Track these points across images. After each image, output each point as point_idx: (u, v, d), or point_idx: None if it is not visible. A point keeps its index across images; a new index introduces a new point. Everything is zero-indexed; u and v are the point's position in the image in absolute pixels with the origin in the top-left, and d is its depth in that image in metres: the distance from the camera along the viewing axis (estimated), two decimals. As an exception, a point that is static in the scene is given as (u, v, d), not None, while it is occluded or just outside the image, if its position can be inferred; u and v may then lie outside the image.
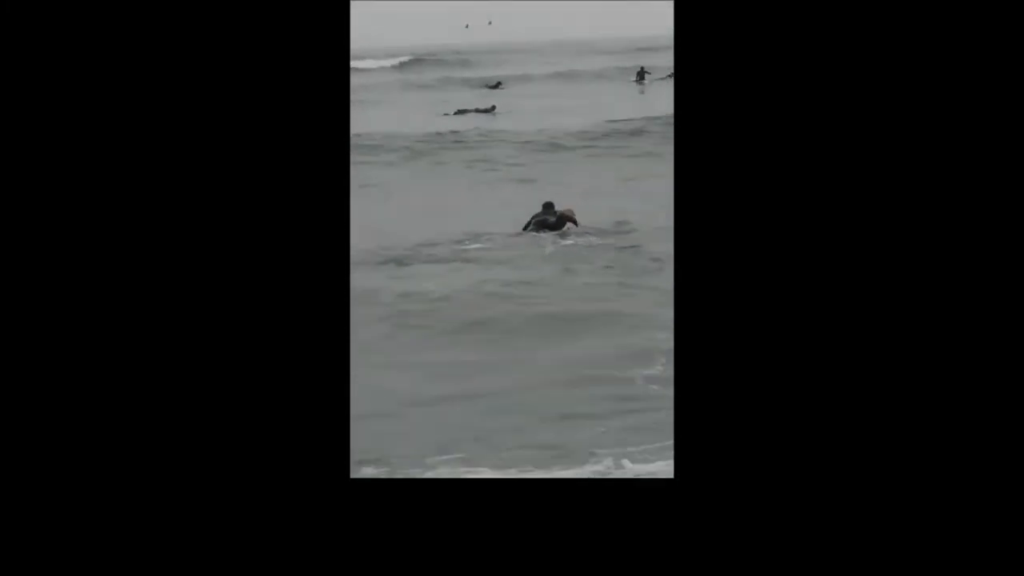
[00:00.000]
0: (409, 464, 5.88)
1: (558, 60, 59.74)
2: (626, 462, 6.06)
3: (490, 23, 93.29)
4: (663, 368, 7.36)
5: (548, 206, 13.06)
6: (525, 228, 12.89)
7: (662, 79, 37.71)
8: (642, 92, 36.29)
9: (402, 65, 59.33)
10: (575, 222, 12.78)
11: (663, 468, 5.58)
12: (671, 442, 4.38)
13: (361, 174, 18.07)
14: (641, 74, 41.70)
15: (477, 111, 30.55)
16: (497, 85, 41.35)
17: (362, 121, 24.86)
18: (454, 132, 24.47)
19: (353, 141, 20.52)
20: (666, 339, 7.34)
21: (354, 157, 19.94)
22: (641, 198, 14.75)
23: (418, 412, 7.03)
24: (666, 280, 9.01)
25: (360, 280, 9.29)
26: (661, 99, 28.37)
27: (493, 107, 31.58)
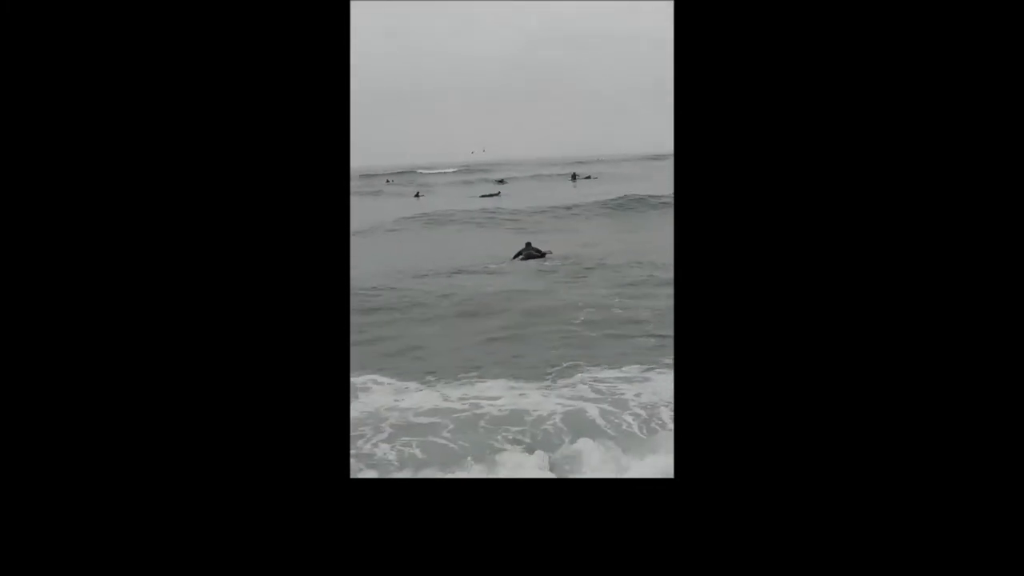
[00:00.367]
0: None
1: (531, 169, 66.92)
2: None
3: (484, 151, 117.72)
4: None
5: (528, 244, 14.00)
6: (515, 256, 13.62)
7: (584, 179, 47.13)
8: (575, 187, 41.29)
9: (455, 172, 68.56)
10: (543, 254, 13.64)
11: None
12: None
13: (423, 233, 20.22)
14: (574, 176, 50.25)
15: (491, 195, 35.29)
16: (501, 181, 46.36)
17: (427, 203, 30.09)
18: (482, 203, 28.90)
19: (418, 217, 22.93)
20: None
21: (409, 224, 21.66)
22: (577, 240, 16.21)
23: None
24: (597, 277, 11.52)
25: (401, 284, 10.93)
26: (586, 189, 35.94)
27: (499, 192, 36.93)
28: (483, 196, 34.52)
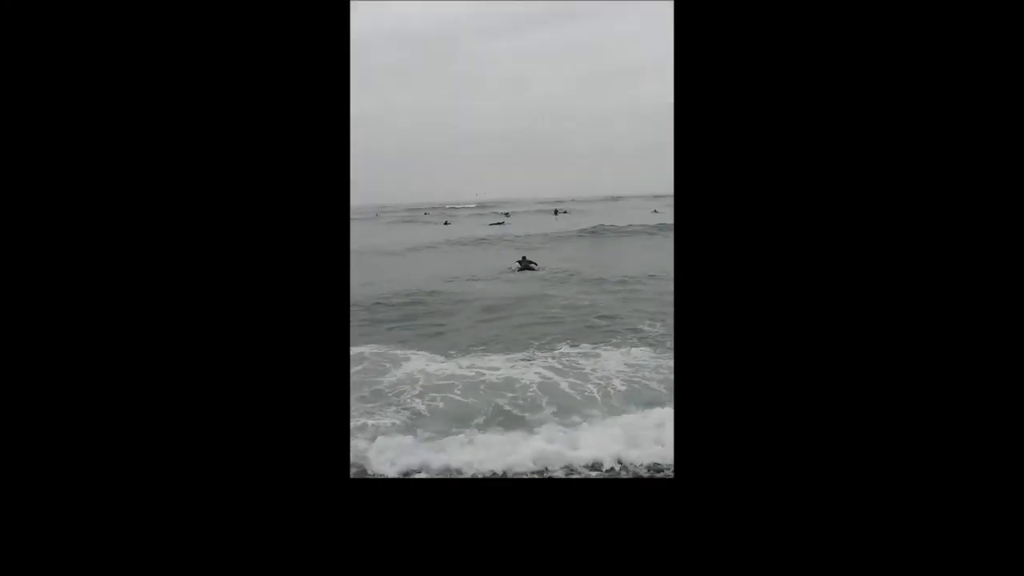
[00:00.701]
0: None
1: (526, 206, 65.23)
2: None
3: (477, 195, 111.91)
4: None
5: (524, 258, 13.82)
6: (515, 266, 13.51)
7: (563, 214, 44.13)
8: (556, 219, 40.23)
9: (475, 207, 66.77)
10: (535, 264, 13.50)
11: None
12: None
13: (451, 250, 20.05)
14: (556, 212, 48.40)
15: (498, 223, 34.50)
16: (507, 215, 45.13)
17: (453, 230, 29.58)
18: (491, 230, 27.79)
19: (447, 239, 22.75)
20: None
21: (440, 244, 21.86)
22: (559, 256, 16.21)
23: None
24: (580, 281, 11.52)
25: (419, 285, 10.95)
26: (564, 221, 34.11)
27: (503, 222, 36.03)
28: (491, 224, 34.39)
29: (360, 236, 24.15)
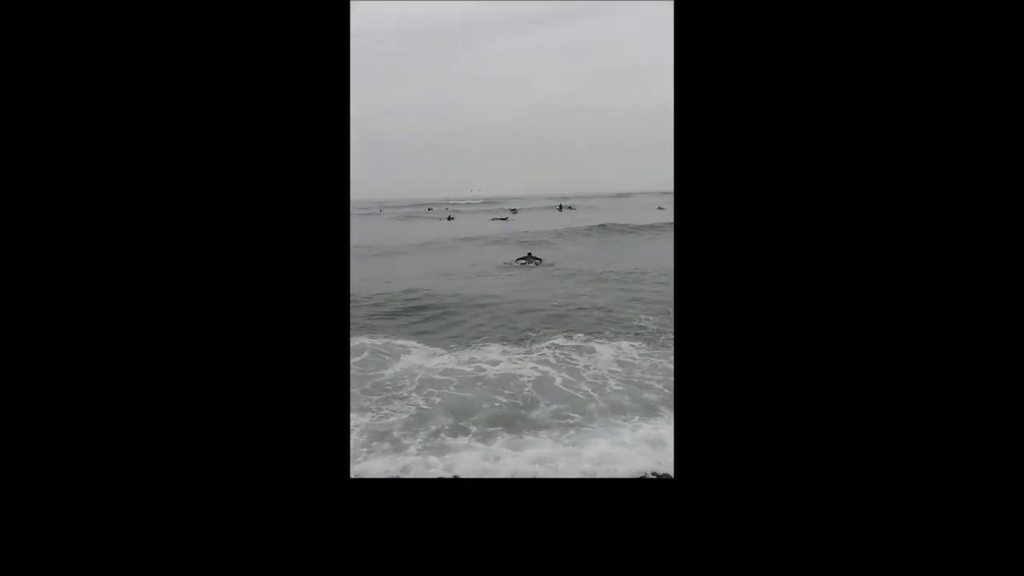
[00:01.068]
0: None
1: (531, 202, 66.08)
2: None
3: (479, 190, 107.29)
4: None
5: (529, 254, 14.17)
6: (518, 261, 13.73)
7: (568, 209, 44.46)
8: (561, 213, 40.50)
9: (481, 202, 66.51)
10: (539, 259, 13.71)
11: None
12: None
13: (456, 245, 19.93)
14: (560, 207, 48.51)
15: (502, 219, 34.73)
16: (514, 211, 44.67)
17: (456, 225, 29.36)
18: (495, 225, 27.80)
19: (451, 234, 22.73)
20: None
21: (445, 239, 21.56)
22: (562, 252, 16.23)
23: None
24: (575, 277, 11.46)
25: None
26: (569, 217, 34.02)
27: (507, 217, 36.32)
28: (494, 219, 34.26)
29: (363, 232, 24.15)
